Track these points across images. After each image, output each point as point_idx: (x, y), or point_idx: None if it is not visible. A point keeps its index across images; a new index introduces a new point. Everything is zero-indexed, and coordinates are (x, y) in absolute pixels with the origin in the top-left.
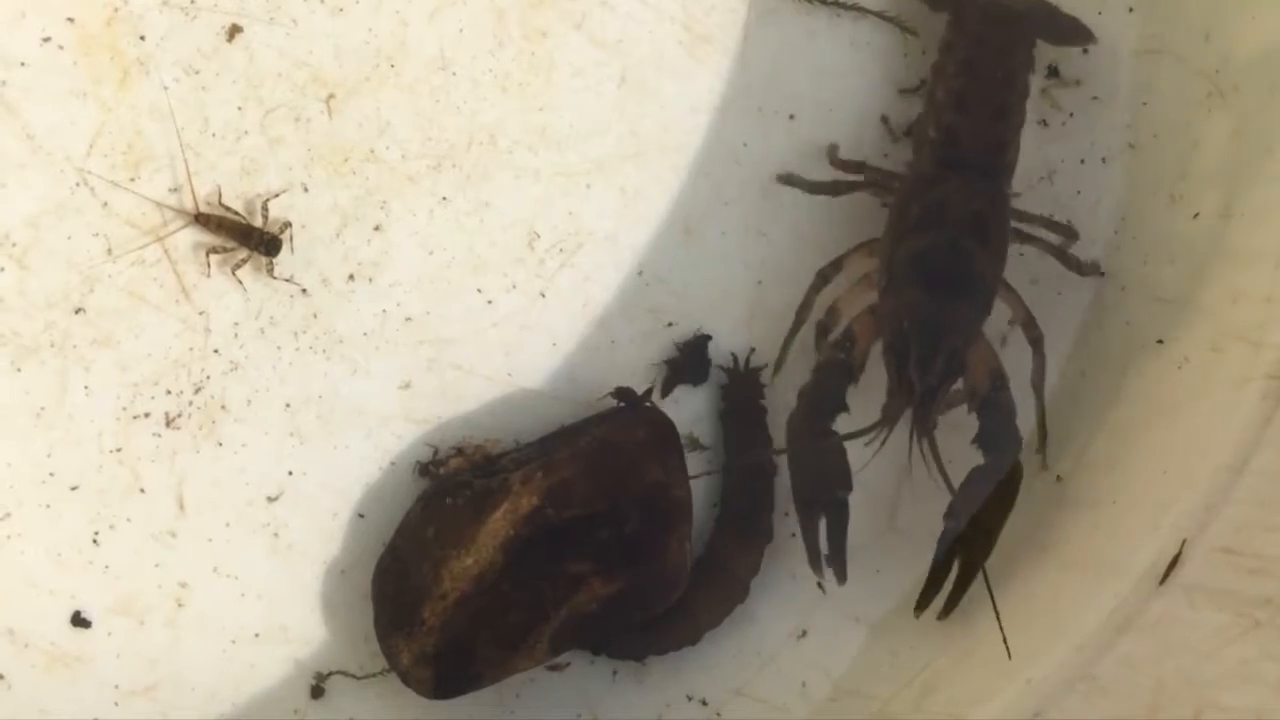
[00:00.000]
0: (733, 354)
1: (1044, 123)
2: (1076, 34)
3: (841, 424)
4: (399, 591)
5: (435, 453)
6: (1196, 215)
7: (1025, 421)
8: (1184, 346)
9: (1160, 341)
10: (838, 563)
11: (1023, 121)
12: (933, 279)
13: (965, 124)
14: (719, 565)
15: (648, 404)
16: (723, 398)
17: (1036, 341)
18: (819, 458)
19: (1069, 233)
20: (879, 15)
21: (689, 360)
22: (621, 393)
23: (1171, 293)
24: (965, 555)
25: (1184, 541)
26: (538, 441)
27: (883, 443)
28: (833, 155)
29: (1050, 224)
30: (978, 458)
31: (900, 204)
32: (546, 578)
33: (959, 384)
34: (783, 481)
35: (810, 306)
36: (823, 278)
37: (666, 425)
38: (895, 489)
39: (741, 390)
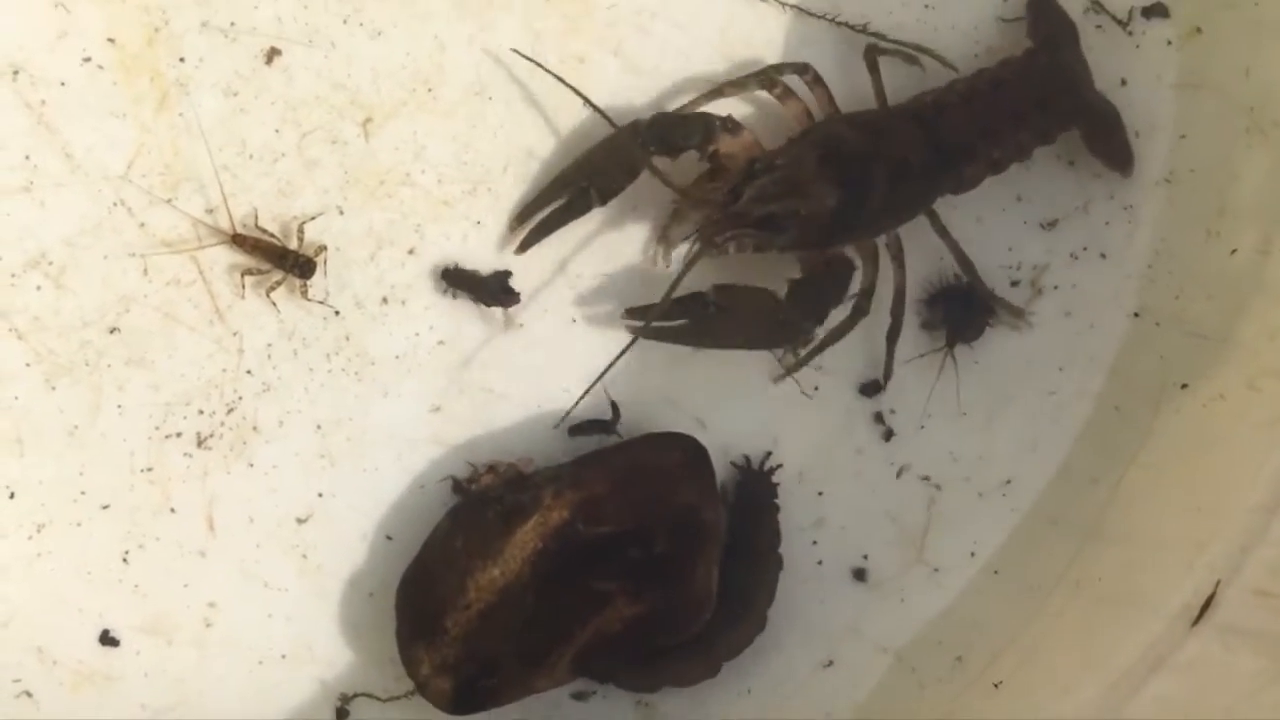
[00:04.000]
0: (746, 456)
1: (1085, 154)
2: (1118, 157)
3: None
4: (423, 601)
5: (472, 470)
6: (1234, 251)
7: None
8: (1219, 383)
9: (1184, 386)
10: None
11: (994, 168)
12: (833, 162)
13: (958, 113)
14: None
15: (616, 432)
16: (736, 494)
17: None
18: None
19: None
20: (932, 54)
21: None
22: (589, 425)
23: (1208, 328)
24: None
25: (1218, 582)
26: (571, 462)
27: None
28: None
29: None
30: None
31: (852, 111)
32: (573, 594)
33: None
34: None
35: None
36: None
37: (700, 450)
38: (925, 521)
39: (754, 489)
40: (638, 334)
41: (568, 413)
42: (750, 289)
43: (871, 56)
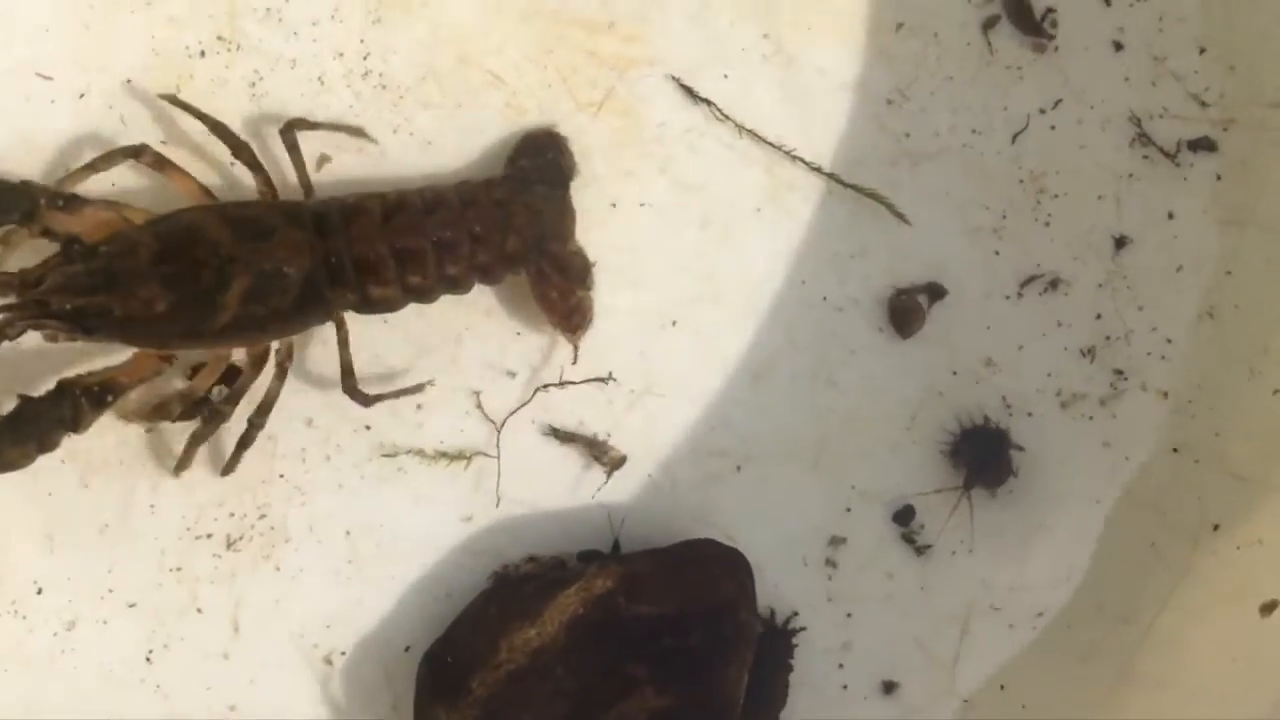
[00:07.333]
0: (770, 609)
1: (1128, 285)
2: (567, 318)
3: None
4: (448, 665)
5: (510, 565)
6: (1277, 392)
7: None
8: (1258, 528)
9: (1216, 527)
10: None
11: (416, 295)
12: (173, 261)
13: (370, 228)
14: None
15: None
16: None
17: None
18: None
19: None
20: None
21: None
22: (587, 555)
23: (1247, 470)
24: None
25: None
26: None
27: None
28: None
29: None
30: None
31: (246, 201)
32: (602, 675)
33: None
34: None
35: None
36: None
37: (743, 558)
38: (955, 649)
39: (773, 645)
40: None
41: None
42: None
43: (291, 135)
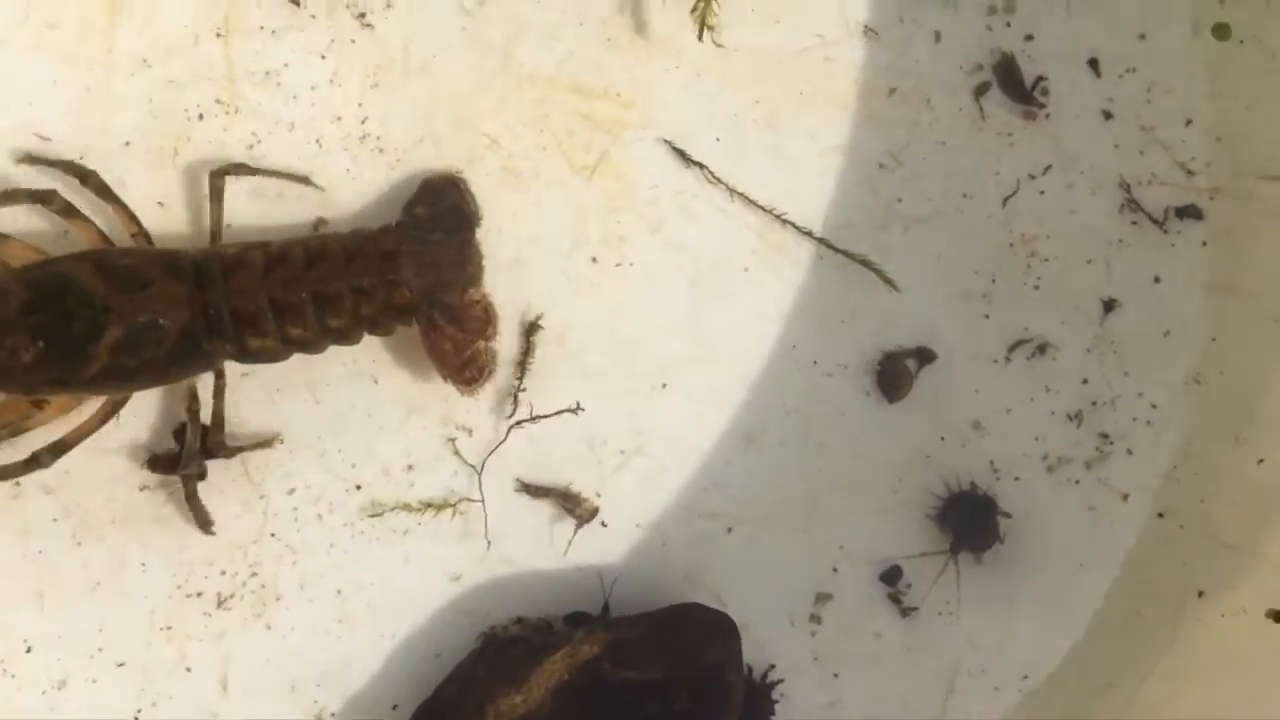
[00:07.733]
0: (749, 666)
1: (1115, 350)
2: (459, 369)
3: None
4: None
5: (497, 627)
6: (1262, 461)
7: None
8: (1243, 596)
9: (1201, 594)
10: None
11: (300, 345)
12: (43, 311)
13: (250, 279)
14: None
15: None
16: None
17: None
18: None
19: None
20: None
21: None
22: (574, 617)
23: (1233, 538)
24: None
25: None
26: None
27: None
28: None
29: None
30: None
31: (127, 249)
32: None
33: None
34: None
35: None
36: None
37: (730, 620)
38: (940, 711)
39: (755, 702)
40: None
41: None
42: None
43: (218, 181)
